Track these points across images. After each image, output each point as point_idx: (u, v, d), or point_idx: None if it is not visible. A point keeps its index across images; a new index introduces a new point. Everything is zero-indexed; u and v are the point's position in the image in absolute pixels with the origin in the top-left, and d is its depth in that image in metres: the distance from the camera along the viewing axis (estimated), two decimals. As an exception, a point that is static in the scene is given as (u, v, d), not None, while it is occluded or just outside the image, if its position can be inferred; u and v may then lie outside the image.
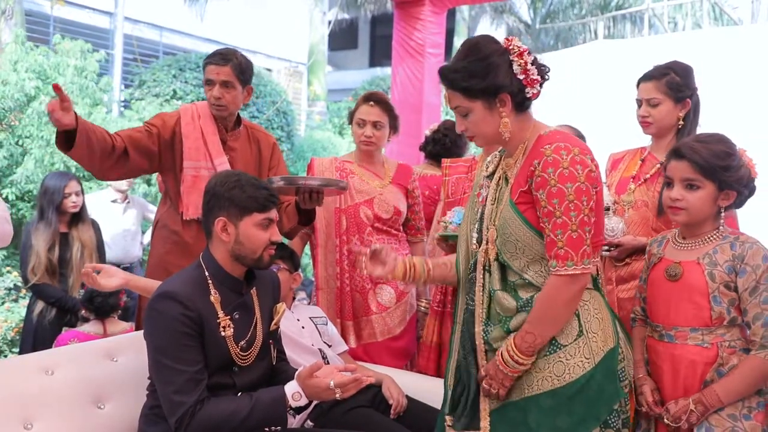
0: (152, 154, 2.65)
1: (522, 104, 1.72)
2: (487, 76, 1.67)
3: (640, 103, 2.47)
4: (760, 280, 1.80)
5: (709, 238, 1.90)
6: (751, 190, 1.93)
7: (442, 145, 3.66)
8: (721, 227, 1.90)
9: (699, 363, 1.85)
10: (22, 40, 6.64)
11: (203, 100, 2.75)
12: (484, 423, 1.75)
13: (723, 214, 1.91)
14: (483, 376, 1.74)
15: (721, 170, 1.85)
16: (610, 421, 1.69)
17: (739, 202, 1.94)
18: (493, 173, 1.83)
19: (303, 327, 2.53)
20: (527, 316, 1.67)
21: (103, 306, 3.23)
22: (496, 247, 1.73)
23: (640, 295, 2.07)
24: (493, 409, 1.75)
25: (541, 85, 1.72)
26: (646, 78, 2.45)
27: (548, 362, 1.68)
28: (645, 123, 2.46)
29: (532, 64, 1.68)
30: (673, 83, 2.38)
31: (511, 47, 1.69)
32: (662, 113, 2.41)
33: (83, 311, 3.47)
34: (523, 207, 1.69)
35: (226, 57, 2.65)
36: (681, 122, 2.41)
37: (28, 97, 6.03)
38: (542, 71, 1.72)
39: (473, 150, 4.40)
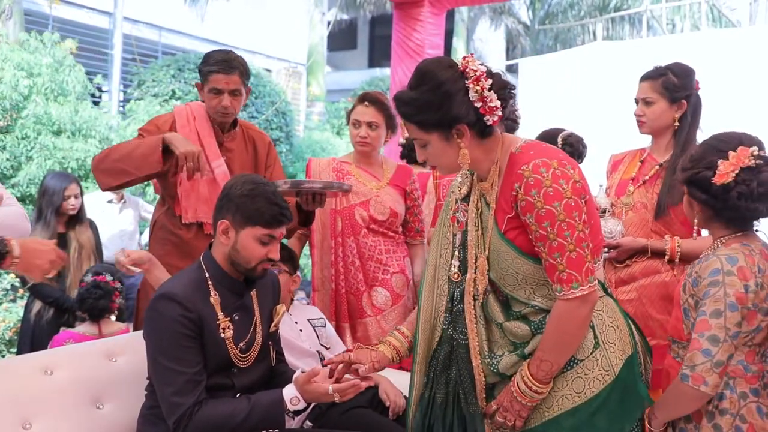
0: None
1: (483, 131, 1.60)
2: (440, 108, 1.55)
3: (637, 102, 2.49)
4: (699, 294, 1.67)
5: (713, 245, 1.77)
6: (725, 203, 1.68)
7: None
8: (725, 238, 1.74)
9: (673, 376, 1.75)
10: (6, 38, 6.61)
11: (198, 100, 2.72)
12: None
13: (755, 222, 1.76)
14: (494, 409, 1.65)
15: (681, 171, 1.76)
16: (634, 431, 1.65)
17: (721, 214, 1.73)
18: (467, 195, 1.73)
19: (301, 330, 2.52)
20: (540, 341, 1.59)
21: (95, 308, 3.23)
22: (487, 277, 1.64)
23: None
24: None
25: (504, 109, 1.58)
26: (644, 77, 2.48)
27: (566, 380, 1.59)
28: (639, 122, 2.50)
29: (491, 89, 1.55)
30: (669, 84, 2.40)
31: (467, 71, 1.55)
32: (656, 113, 2.43)
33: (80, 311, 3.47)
34: (513, 233, 1.60)
35: (232, 65, 2.57)
36: (677, 123, 2.43)
37: (23, 96, 6.01)
38: (504, 93, 1.58)
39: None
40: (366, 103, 2.90)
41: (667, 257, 2.36)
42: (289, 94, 11.23)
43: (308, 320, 2.59)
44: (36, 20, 9.30)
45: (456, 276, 1.71)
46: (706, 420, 1.69)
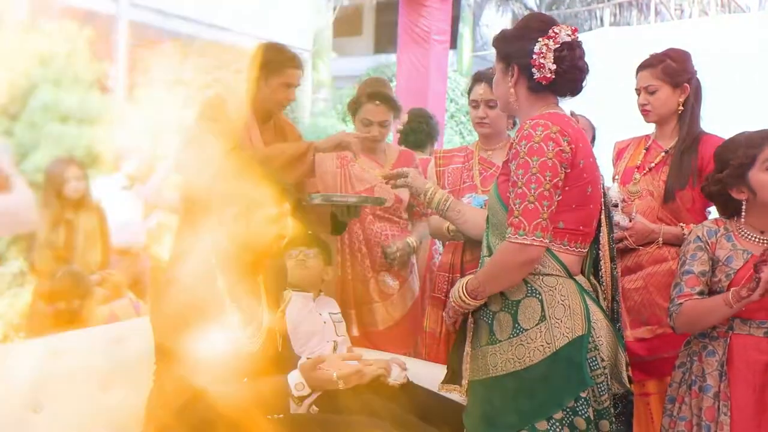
0: None
1: (532, 83, 1.75)
2: (510, 44, 1.78)
3: (639, 92, 2.48)
4: None
5: None
6: None
7: (422, 132, 3.80)
8: None
9: None
10: (23, 26, 6.62)
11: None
12: (465, 381, 1.86)
13: None
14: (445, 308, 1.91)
15: None
16: (578, 409, 1.66)
17: None
18: None
19: (325, 322, 2.58)
20: None
21: None
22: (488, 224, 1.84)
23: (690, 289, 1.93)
24: (472, 379, 1.83)
25: (558, 75, 1.70)
26: (642, 67, 2.48)
27: (511, 345, 1.72)
28: (645, 111, 2.47)
29: (555, 52, 1.69)
30: (670, 69, 2.39)
31: (551, 31, 1.71)
32: (661, 100, 2.42)
33: None
34: (501, 179, 1.77)
35: (301, 62, 2.70)
36: (681, 107, 2.42)
37: (31, 84, 6.03)
38: (564, 64, 1.70)
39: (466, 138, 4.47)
40: (377, 102, 2.86)
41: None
42: (294, 81, 11.19)
43: (329, 313, 2.63)
44: (40, 5, 9.28)
45: None
46: None
